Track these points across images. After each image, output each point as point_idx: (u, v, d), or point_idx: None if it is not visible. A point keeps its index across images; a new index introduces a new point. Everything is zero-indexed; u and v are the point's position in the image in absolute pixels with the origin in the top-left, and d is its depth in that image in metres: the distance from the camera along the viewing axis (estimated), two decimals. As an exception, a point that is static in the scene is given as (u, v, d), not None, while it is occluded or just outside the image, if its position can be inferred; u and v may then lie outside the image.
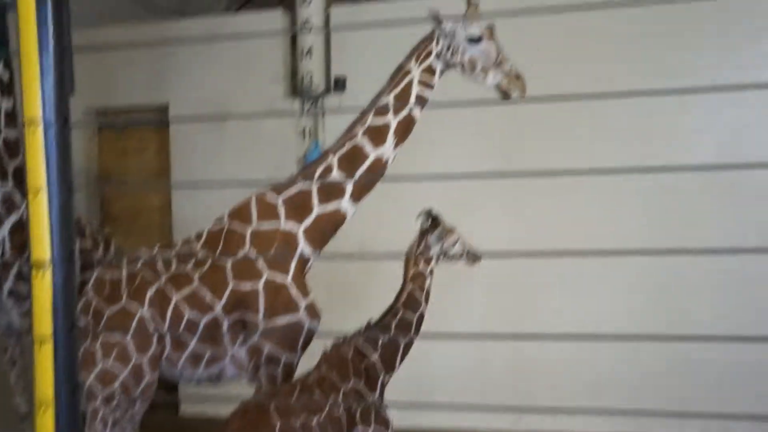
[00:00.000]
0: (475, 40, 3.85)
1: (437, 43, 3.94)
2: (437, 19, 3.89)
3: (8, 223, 4.60)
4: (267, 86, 7.41)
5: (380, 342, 3.92)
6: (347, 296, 7.06)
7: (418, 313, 4.04)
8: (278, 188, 3.98)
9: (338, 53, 7.28)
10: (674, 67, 6.47)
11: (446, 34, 3.90)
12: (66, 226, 1.85)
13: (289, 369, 3.90)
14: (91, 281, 3.88)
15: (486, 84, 3.89)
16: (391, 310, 4.00)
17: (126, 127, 8.05)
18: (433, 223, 4.15)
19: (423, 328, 4.05)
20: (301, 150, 7.32)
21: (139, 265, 3.84)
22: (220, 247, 3.90)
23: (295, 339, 3.88)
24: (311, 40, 7.16)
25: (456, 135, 6.96)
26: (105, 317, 3.73)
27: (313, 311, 3.91)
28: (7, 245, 4.61)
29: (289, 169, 7.06)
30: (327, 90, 7.26)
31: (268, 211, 3.93)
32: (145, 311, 3.70)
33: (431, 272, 4.13)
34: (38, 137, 1.82)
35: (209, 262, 3.84)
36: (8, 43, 4.46)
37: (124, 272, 3.79)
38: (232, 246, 3.89)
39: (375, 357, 3.88)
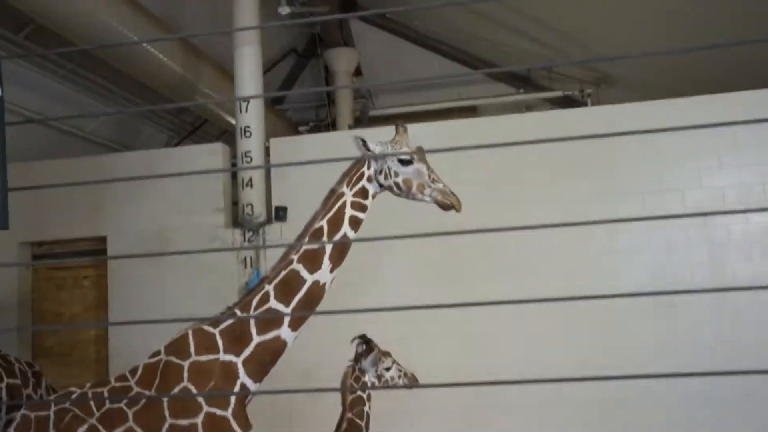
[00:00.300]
0: (406, 162, 3.96)
1: (368, 166, 4.03)
2: (365, 146, 4.00)
3: None
4: (208, 216, 7.44)
5: None
6: (293, 427, 6.88)
7: None
8: (215, 321, 3.92)
9: (278, 184, 7.41)
10: (605, 194, 6.81)
11: (376, 158, 4.00)
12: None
13: None
14: (16, 421, 3.68)
15: (424, 201, 3.99)
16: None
17: (62, 260, 7.92)
18: (366, 347, 4.18)
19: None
20: (242, 279, 7.29)
21: (68, 403, 3.67)
22: (156, 382, 3.76)
23: None
24: (251, 171, 7.29)
25: (401, 263, 7.07)
26: None
27: None
28: None
29: (230, 298, 6.99)
30: (268, 220, 7.33)
31: (206, 343, 3.84)
32: None
33: (369, 397, 4.14)
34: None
35: (144, 399, 3.71)
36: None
37: (52, 411, 3.62)
38: (170, 380, 3.75)
39: None
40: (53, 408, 3.63)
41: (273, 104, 11.79)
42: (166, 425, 3.64)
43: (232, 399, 3.76)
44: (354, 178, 4.04)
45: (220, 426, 3.70)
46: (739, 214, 6.70)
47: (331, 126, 11.63)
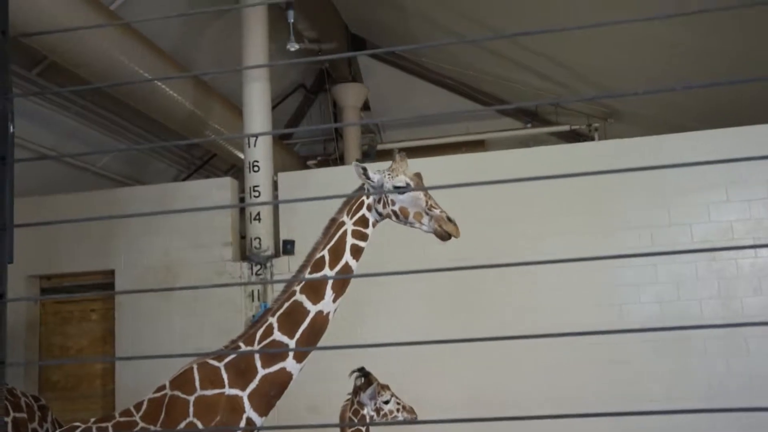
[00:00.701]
0: (402, 190, 3.96)
1: (368, 195, 4.04)
2: (365, 174, 4.01)
3: None
4: (216, 250, 7.46)
5: None
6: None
7: None
8: (219, 355, 3.88)
9: (286, 217, 7.44)
10: (613, 228, 6.80)
11: (374, 186, 4.02)
12: None
13: None
14: None
15: (422, 230, 4.00)
16: None
17: (69, 293, 7.94)
18: (365, 380, 4.17)
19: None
20: (250, 313, 7.28)
21: None
22: (162, 417, 3.72)
23: None
24: (259, 205, 7.33)
25: (408, 294, 7.06)
26: None
27: None
28: None
29: (237, 331, 6.98)
30: (276, 253, 7.35)
31: (210, 377, 3.80)
32: None
33: (368, 431, 4.13)
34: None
35: None
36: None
37: None
38: (176, 415, 3.71)
39: None
40: None
41: (281, 139, 11.87)
42: None
43: None
44: (354, 207, 4.04)
45: None
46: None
47: (339, 160, 11.70)
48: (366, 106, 12.10)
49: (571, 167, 6.46)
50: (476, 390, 6.76)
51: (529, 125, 11.78)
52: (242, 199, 7.67)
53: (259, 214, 7.30)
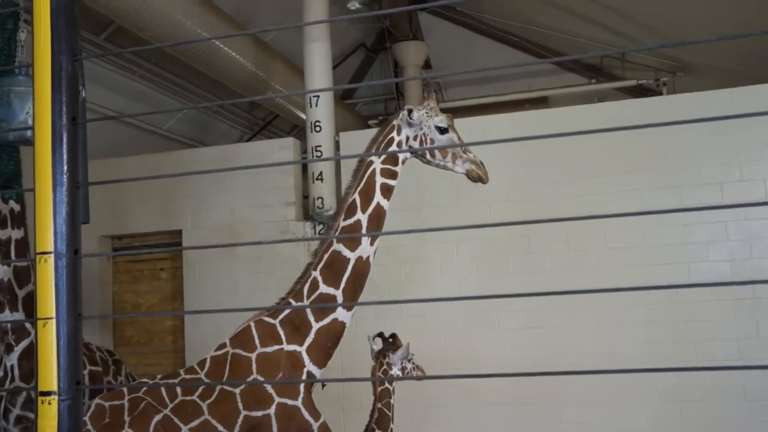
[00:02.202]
0: (443, 130, 3.90)
1: (398, 132, 3.96)
2: (410, 115, 3.94)
3: (18, 351, 4.61)
4: (279, 210, 7.57)
5: None
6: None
7: (390, 430, 4.22)
8: (273, 312, 3.94)
9: (348, 177, 7.45)
10: (682, 184, 6.62)
11: (413, 124, 3.93)
12: (74, 354, 1.88)
13: None
14: (90, 410, 3.73)
15: (455, 170, 3.93)
16: (367, 429, 4.18)
17: (140, 253, 8.18)
18: (393, 342, 4.30)
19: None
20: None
21: (141, 393, 3.71)
22: (226, 375, 3.81)
23: None
24: (322, 164, 7.37)
25: (472, 253, 7.06)
26: None
27: None
28: (17, 372, 4.61)
29: (300, 290, 7.11)
30: (338, 212, 7.39)
31: (269, 335, 3.88)
32: None
33: (393, 390, 4.28)
34: (49, 267, 1.88)
35: (217, 390, 3.72)
36: (20, 178, 4.62)
37: (126, 399, 3.65)
38: (240, 372, 3.79)
39: None
40: (127, 397, 3.65)
41: (342, 99, 11.88)
42: (241, 417, 3.67)
43: (301, 388, 3.79)
44: (383, 145, 3.98)
45: (292, 416, 3.72)
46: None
47: (401, 120, 11.64)
48: (427, 65, 11.97)
49: (638, 123, 6.28)
50: (543, 349, 6.73)
51: (593, 81, 11.48)
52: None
53: (321, 173, 7.35)
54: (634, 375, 6.40)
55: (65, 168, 1.91)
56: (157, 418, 3.59)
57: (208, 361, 3.88)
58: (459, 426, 6.89)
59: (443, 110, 4.14)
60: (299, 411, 3.74)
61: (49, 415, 1.84)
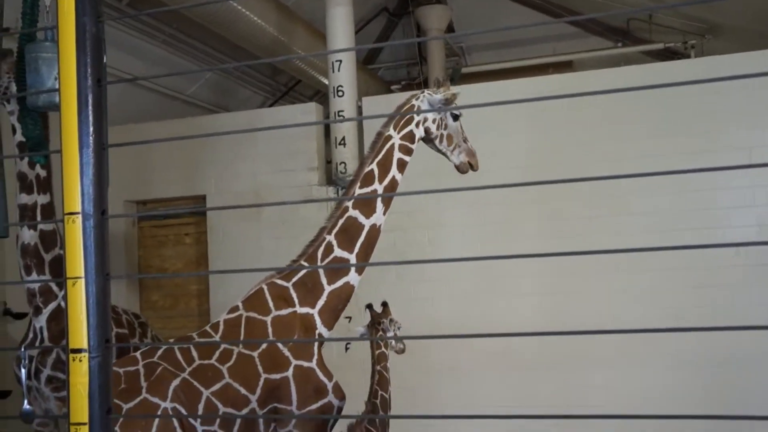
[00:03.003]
0: (456, 117, 4.12)
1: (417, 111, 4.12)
2: (438, 83, 4.16)
3: (46, 313, 4.70)
4: (302, 175, 7.59)
5: (377, 421, 4.18)
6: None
7: (389, 391, 4.32)
8: (285, 275, 4.02)
9: (371, 141, 7.46)
10: (708, 149, 6.54)
11: (435, 107, 4.10)
12: (102, 312, 1.92)
13: None
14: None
15: (450, 158, 4.16)
16: (371, 391, 4.28)
17: (165, 217, 8.26)
18: (384, 310, 4.41)
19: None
20: (335, 236, 7.41)
21: (156, 357, 3.67)
22: (242, 337, 3.85)
23: (326, 422, 3.88)
24: (344, 129, 7.36)
25: (490, 215, 7.05)
26: (122, 413, 3.45)
27: (339, 392, 3.90)
28: (45, 334, 4.70)
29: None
30: (360, 177, 7.40)
31: (282, 298, 3.95)
32: (167, 405, 3.48)
33: (388, 354, 4.39)
34: (77, 228, 1.91)
35: (235, 354, 3.75)
36: (47, 143, 4.67)
37: (141, 365, 3.59)
38: (255, 335, 3.85)
39: None
40: (141, 362, 3.59)
41: (365, 64, 11.81)
42: (262, 380, 3.72)
43: (315, 350, 3.88)
44: (402, 122, 4.09)
45: (308, 377, 3.80)
46: None
47: (423, 84, 11.56)
48: (450, 29, 11.83)
49: (667, 88, 6.18)
50: (558, 314, 6.74)
51: (619, 44, 11.29)
52: (327, 125, 7.73)
53: (344, 138, 7.35)
54: (655, 339, 6.40)
55: (91, 129, 1.93)
56: (176, 382, 3.55)
57: (221, 324, 3.92)
58: (479, 389, 6.94)
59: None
60: (315, 372, 3.83)
61: (80, 372, 1.89)
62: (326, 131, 7.85)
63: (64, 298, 4.66)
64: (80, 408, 1.89)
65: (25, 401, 2.49)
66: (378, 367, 4.30)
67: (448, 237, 7.17)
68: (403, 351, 4.48)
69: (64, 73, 1.93)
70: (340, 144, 7.36)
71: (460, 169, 4.17)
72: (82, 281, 1.91)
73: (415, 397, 7.02)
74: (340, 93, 7.40)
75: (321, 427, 3.84)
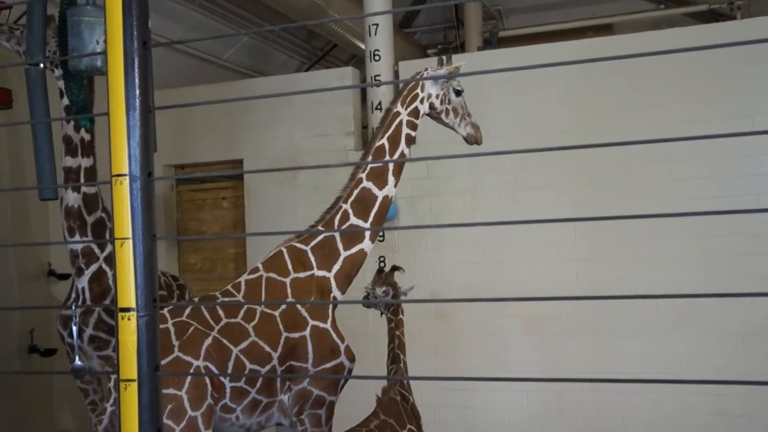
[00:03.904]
0: (458, 92, 4.37)
1: (422, 88, 4.35)
2: (441, 62, 4.39)
3: (88, 275, 4.80)
4: (338, 140, 7.60)
5: (406, 383, 4.28)
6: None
7: (405, 355, 4.42)
8: (304, 239, 4.25)
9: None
10: (749, 114, 6.40)
11: (438, 83, 4.34)
12: (150, 272, 1.96)
13: (331, 409, 4.07)
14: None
15: (458, 131, 4.40)
16: (392, 354, 4.38)
17: (203, 180, 8.35)
18: (388, 276, 4.54)
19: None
20: (371, 201, 7.44)
21: (184, 316, 3.79)
22: (263, 297, 4.07)
23: (338, 381, 4.08)
24: (381, 94, 7.33)
25: (527, 181, 7.01)
26: None
27: (350, 354, 4.13)
28: (87, 294, 4.81)
29: (359, 220, 7.19)
30: (396, 142, 7.38)
31: (301, 261, 4.18)
32: (200, 363, 3.62)
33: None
34: (124, 190, 1.95)
35: (258, 312, 3.95)
36: (91, 107, 4.73)
37: (171, 323, 3.70)
38: (275, 295, 4.08)
39: (413, 399, 4.24)
40: (170, 321, 3.69)
41: (401, 28, 11.70)
42: (283, 338, 3.93)
43: (330, 312, 4.12)
44: (408, 99, 4.35)
45: (324, 337, 4.04)
46: None
47: (460, 48, 11.43)
48: (488, -9, 11.66)
49: (710, 51, 6.03)
50: (596, 282, 6.71)
51: (662, 6, 11.00)
52: (363, 89, 7.70)
53: (380, 103, 7.31)
54: (694, 307, 6.35)
55: (137, 92, 1.95)
56: (207, 341, 3.68)
57: (243, 284, 4.12)
58: (516, 355, 6.97)
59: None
60: (329, 333, 4.07)
61: (128, 330, 1.93)
62: (362, 96, 7.83)
63: (106, 259, 4.77)
64: (129, 365, 1.94)
65: (76, 358, 2.56)
66: (397, 332, 4.41)
67: (484, 203, 7.15)
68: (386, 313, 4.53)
69: (111, 36, 1.95)
70: (376, 109, 7.34)
71: (468, 140, 4.41)
72: (130, 242, 1.95)
73: (448, 362, 7.08)
74: (377, 57, 7.36)
75: (334, 386, 4.04)
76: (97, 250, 4.83)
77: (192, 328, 3.70)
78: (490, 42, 11.07)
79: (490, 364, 6.97)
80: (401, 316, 4.47)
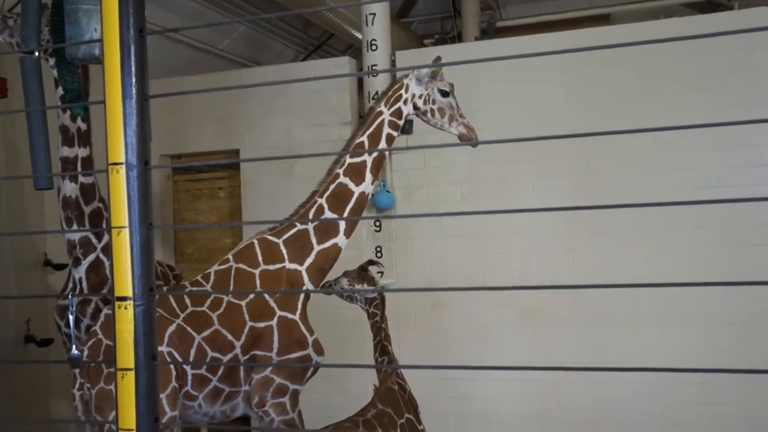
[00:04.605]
0: (444, 93, 4.38)
1: (406, 90, 4.39)
2: (439, 60, 4.45)
3: (85, 265, 4.80)
4: (335, 129, 7.58)
5: (401, 373, 4.31)
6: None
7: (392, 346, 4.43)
8: (277, 231, 4.27)
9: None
10: (747, 104, 6.40)
11: (422, 84, 4.37)
12: (146, 261, 1.95)
13: (296, 398, 4.11)
14: (100, 321, 3.92)
15: (449, 131, 4.41)
16: (380, 346, 4.38)
17: (199, 171, 8.33)
18: (361, 273, 4.53)
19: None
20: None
21: None
22: (231, 288, 4.11)
23: (304, 372, 4.12)
24: (378, 84, 7.31)
25: (525, 171, 7.01)
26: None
27: (318, 347, 4.17)
28: (85, 285, 4.81)
29: (356, 210, 7.18)
30: (393, 132, 7.37)
31: (272, 253, 4.21)
32: (164, 349, 3.70)
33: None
34: (121, 179, 1.94)
35: (224, 302, 4.00)
36: (87, 96, 4.71)
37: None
38: (244, 286, 4.11)
39: (409, 388, 4.17)
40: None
41: (398, 17, 11.66)
42: (247, 327, 3.98)
43: (299, 304, 4.15)
44: (392, 99, 4.39)
45: (290, 328, 4.07)
46: None
47: (457, 38, 11.40)
48: (485, -20, 11.61)
49: (707, 40, 6.02)
50: (592, 272, 6.72)
51: (659, -5, 10.96)
52: (360, 79, 7.68)
53: (377, 93, 7.29)
54: (690, 296, 6.37)
55: (134, 80, 1.94)
56: (171, 328, 3.80)
57: (212, 274, 4.18)
58: (512, 344, 6.98)
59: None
60: (297, 324, 4.10)
61: (125, 319, 1.93)
62: (359, 85, 7.81)
63: (103, 249, 4.76)
64: (126, 354, 1.94)
65: (73, 347, 2.57)
66: (383, 325, 4.42)
67: (481, 193, 7.15)
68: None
69: (107, 23, 1.94)
70: (373, 98, 7.32)
71: (462, 138, 4.41)
72: (126, 231, 1.94)
73: (445, 352, 7.10)
74: (374, 47, 7.34)
75: (298, 375, 4.07)
76: (94, 240, 4.82)
77: (157, 315, 3.71)
78: (488, 32, 11.03)
79: (486, 354, 6.99)
80: (384, 311, 4.49)
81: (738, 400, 6.31)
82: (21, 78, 4.12)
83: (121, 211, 1.94)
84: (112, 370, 3.41)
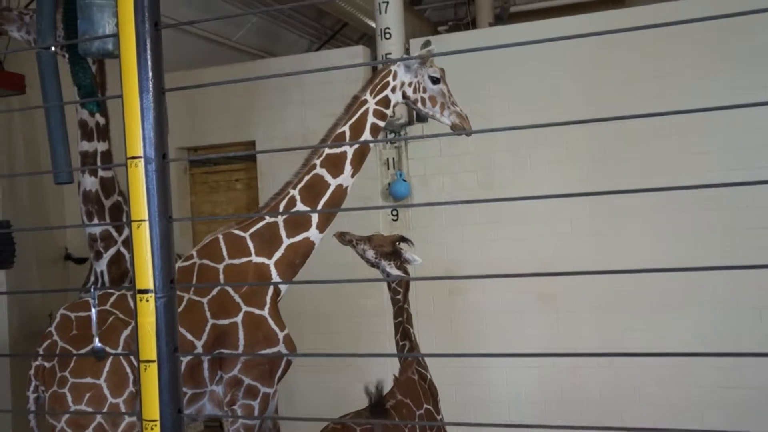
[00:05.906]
0: (435, 80, 4.16)
1: (394, 77, 4.17)
2: (428, 45, 4.29)
3: (106, 258, 4.85)
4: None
5: (422, 360, 4.20)
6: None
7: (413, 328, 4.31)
8: (244, 225, 4.09)
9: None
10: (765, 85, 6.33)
11: (411, 71, 4.16)
12: (167, 253, 1.97)
13: (266, 402, 3.88)
14: (56, 321, 3.75)
15: (440, 120, 4.20)
16: (402, 328, 4.24)
17: (216, 163, 8.36)
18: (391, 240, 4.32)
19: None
20: (385, 180, 7.44)
21: (108, 305, 3.72)
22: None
23: (273, 370, 3.89)
24: (391, 72, 7.29)
25: (541, 157, 6.98)
26: (73, 359, 3.50)
27: (290, 343, 3.96)
28: (106, 278, 4.86)
29: (373, 199, 7.19)
30: (410, 121, 7.37)
31: (237, 247, 4.01)
32: (118, 353, 3.54)
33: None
34: (140, 172, 1.95)
35: (185, 300, 3.79)
36: (99, 91, 4.72)
37: (93, 312, 3.61)
38: (206, 281, 3.91)
39: (430, 376, 4.14)
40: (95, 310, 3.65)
41: (412, 5, 11.61)
42: (209, 325, 3.78)
43: (267, 299, 3.94)
44: (378, 87, 4.17)
45: (258, 324, 3.87)
46: None
47: (471, 25, 11.34)
48: (498, -34, 11.53)
49: (725, 21, 5.95)
50: (611, 256, 6.68)
51: (675, -23, 10.84)
52: (374, 68, 7.66)
53: (391, 81, 7.29)
54: (710, 280, 6.32)
55: (150, 74, 1.95)
56: (126, 332, 3.61)
57: (175, 272, 4.02)
58: (531, 331, 6.97)
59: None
60: (265, 320, 3.90)
61: (147, 311, 1.95)
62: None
63: (124, 242, 4.78)
64: (149, 346, 1.96)
65: (96, 339, 2.59)
66: (405, 305, 4.29)
67: (497, 179, 7.13)
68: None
69: (123, 17, 1.94)
70: (387, 87, 7.31)
71: (454, 128, 4.20)
72: (146, 224, 1.96)
73: (464, 339, 7.10)
74: (388, 35, 7.31)
75: (267, 376, 3.86)
76: (114, 234, 4.87)
77: (112, 318, 3.64)
78: (501, 17, 10.97)
79: (505, 341, 6.98)
80: (408, 291, 4.32)
81: (760, 383, 6.27)
82: (38, 73, 4.15)
83: (140, 205, 1.96)
84: (66, 373, 3.44)
